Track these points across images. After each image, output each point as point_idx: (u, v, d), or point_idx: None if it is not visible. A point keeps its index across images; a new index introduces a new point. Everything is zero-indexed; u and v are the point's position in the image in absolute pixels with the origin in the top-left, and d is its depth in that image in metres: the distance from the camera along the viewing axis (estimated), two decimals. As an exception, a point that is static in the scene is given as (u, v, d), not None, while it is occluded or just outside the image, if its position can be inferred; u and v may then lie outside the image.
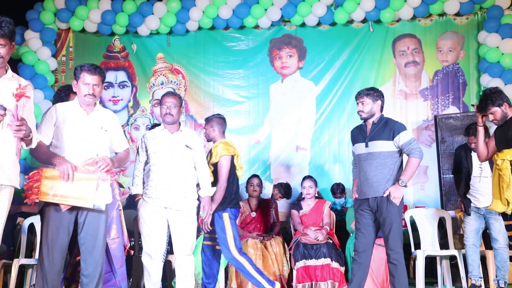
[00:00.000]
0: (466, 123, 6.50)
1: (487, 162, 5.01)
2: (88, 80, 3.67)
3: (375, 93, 4.52)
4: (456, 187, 5.53)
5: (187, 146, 4.48)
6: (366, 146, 4.46)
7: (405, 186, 4.37)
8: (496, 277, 5.09)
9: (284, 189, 6.80)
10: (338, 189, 6.67)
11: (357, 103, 4.56)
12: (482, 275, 5.13)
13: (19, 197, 4.79)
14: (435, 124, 6.78)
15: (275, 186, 6.82)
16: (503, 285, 5.01)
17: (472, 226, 5.15)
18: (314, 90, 7.45)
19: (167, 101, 4.55)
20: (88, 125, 3.77)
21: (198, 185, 4.62)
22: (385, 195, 4.32)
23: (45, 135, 3.70)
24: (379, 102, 4.51)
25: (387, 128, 4.43)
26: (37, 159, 3.74)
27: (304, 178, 5.97)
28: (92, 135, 3.75)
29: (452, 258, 5.45)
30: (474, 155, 5.19)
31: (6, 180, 3.29)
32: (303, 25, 7.40)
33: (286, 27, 7.55)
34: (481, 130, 4.26)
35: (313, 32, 7.49)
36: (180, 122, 4.65)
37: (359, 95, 4.56)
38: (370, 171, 4.41)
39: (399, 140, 4.37)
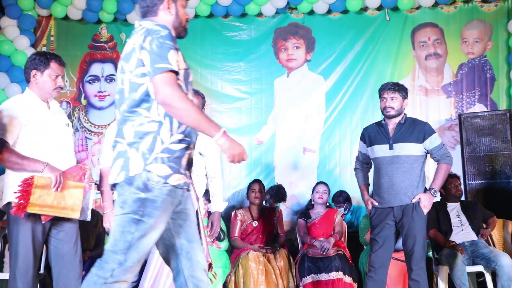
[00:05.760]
0: (494, 122, 6.60)
1: (461, 210, 5.52)
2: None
3: (404, 89, 4.59)
4: (437, 242, 5.49)
5: (200, 154, 4.43)
6: (391, 148, 4.50)
7: (436, 196, 4.52)
8: None
9: (275, 192, 6.69)
10: (340, 197, 6.69)
11: (384, 98, 4.56)
12: None
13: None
14: (460, 124, 6.76)
15: (267, 192, 6.64)
16: None
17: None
18: (324, 85, 7.44)
19: None
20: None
21: (205, 194, 4.63)
22: (414, 200, 4.41)
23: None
24: (407, 100, 4.61)
25: (416, 129, 4.54)
26: (8, 165, 3.64)
27: (318, 184, 6.05)
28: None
29: (480, 275, 5.43)
30: (449, 205, 5.57)
31: None
32: (311, 12, 7.38)
33: (292, 15, 7.53)
34: None
35: (322, 20, 7.47)
36: None
37: (388, 89, 4.56)
38: (397, 176, 4.46)
39: (429, 144, 4.50)
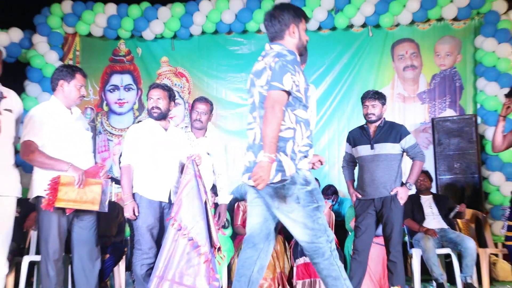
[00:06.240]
0: (462, 126, 6.67)
1: (433, 201, 5.56)
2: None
3: (383, 97, 4.65)
4: (412, 229, 5.59)
5: (208, 154, 4.54)
6: (372, 148, 4.58)
7: (411, 189, 4.58)
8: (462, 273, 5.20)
9: None
10: (328, 190, 6.67)
11: (366, 106, 4.64)
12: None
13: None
14: (432, 127, 6.87)
15: None
16: (470, 280, 5.14)
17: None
18: (315, 93, 7.38)
19: (199, 107, 4.60)
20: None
21: (212, 188, 4.68)
22: (392, 193, 4.49)
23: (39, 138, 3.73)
24: (385, 106, 4.67)
25: (394, 131, 4.59)
26: (36, 164, 3.72)
27: None
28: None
29: (448, 256, 5.54)
30: (422, 198, 5.67)
31: (6, 190, 3.48)
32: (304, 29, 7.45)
33: None
34: (502, 120, 4.28)
35: (314, 36, 7.38)
36: (207, 128, 4.68)
37: (370, 98, 4.62)
38: (377, 172, 4.54)
39: (405, 143, 4.55)
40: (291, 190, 2.84)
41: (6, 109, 3.58)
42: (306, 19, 3.11)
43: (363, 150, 4.65)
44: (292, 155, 2.84)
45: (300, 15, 3.05)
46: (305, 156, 2.92)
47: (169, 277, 3.83)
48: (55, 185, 3.60)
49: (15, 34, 7.34)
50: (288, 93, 2.83)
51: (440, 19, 7.33)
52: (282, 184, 2.83)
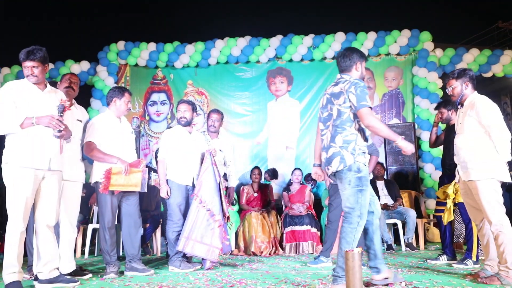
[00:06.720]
0: (404, 130, 6.64)
1: (384, 185, 5.57)
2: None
3: None
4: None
5: (220, 150, 4.51)
6: None
7: (370, 176, 4.56)
8: (405, 235, 5.25)
9: (272, 173, 6.69)
10: (308, 177, 6.57)
11: None
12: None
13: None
14: None
15: (265, 172, 6.67)
16: (410, 240, 5.19)
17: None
18: (299, 106, 7.40)
19: (213, 116, 4.56)
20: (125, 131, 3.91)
21: (223, 175, 4.64)
22: None
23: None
24: None
25: None
26: (95, 158, 3.70)
27: (295, 169, 6.00)
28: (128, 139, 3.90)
29: (395, 225, 5.55)
30: (377, 183, 5.64)
31: (76, 177, 3.50)
32: (291, 60, 7.40)
33: (279, 62, 7.49)
34: (435, 126, 4.47)
35: (298, 65, 7.45)
36: (219, 131, 4.63)
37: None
38: None
39: None
40: (347, 174, 2.84)
41: (77, 119, 3.68)
42: (366, 59, 3.11)
43: None
44: (352, 151, 2.83)
45: (363, 56, 3.07)
46: (364, 152, 2.90)
47: (192, 237, 3.83)
48: (108, 175, 3.60)
49: (84, 65, 7.37)
50: (371, 107, 2.86)
51: (388, 54, 7.29)
52: (342, 170, 2.83)
